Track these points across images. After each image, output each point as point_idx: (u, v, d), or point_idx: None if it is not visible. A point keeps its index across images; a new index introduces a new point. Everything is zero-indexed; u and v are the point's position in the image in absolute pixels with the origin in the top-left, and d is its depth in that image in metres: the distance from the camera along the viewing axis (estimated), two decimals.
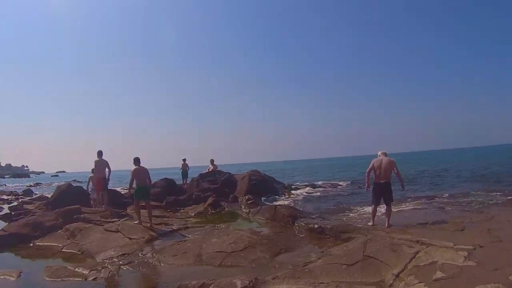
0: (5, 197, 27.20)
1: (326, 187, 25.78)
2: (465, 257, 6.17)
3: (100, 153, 13.54)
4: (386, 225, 9.62)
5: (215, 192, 17.12)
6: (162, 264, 7.45)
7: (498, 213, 10.60)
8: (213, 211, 14.32)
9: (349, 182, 28.01)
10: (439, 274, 5.55)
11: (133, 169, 11.17)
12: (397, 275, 5.78)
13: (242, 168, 44.87)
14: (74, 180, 49.02)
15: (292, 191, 22.07)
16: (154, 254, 7.99)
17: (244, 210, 14.15)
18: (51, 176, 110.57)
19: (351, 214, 12.88)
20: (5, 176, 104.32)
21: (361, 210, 13.26)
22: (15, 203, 21.19)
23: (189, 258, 7.62)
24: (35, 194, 29.10)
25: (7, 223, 12.56)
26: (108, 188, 14.58)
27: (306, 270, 6.21)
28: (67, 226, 10.78)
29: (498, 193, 16.22)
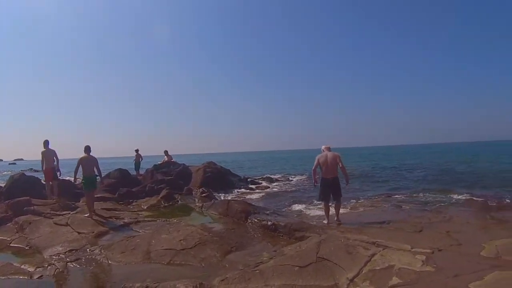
0: None
1: (283, 181, 25.92)
2: (423, 261, 6.05)
3: (46, 143, 13.08)
4: (336, 219, 9.71)
5: (169, 184, 16.92)
6: (109, 262, 7.19)
7: (458, 214, 10.63)
8: (166, 204, 14.01)
9: (306, 177, 27.70)
10: (395, 280, 5.37)
11: (80, 157, 10.94)
12: (352, 280, 5.54)
13: (199, 159, 44.61)
14: (31, 169, 47.59)
15: (249, 185, 21.92)
16: (102, 251, 7.73)
17: (197, 204, 13.90)
18: (9, 164, 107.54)
19: (306, 211, 12.74)
20: None
21: (317, 207, 13.00)
22: None
23: (138, 255, 7.39)
24: None
25: None
26: (60, 178, 14.21)
27: (257, 271, 5.95)
28: (16, 219, 10.38)
29: (458, 193, 16.15)
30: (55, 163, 13.30)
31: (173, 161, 21.65)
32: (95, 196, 12.22)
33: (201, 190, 16.12)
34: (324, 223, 9.78)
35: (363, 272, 5.76)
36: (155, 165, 20.90)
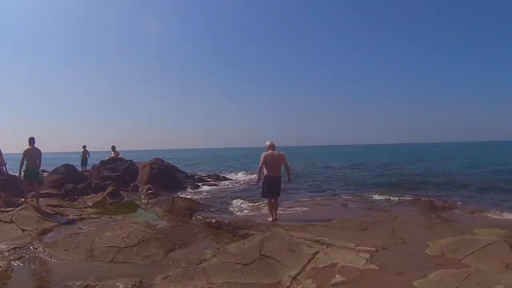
0: None
1: (230, 178, 26.03)
2: (367, 259, 5.97)
3: None
4: (274, 218, 9.84)
5: (115, 181, 16.76)
6: (53, 260, 7.10)
7: (403, 213, 10.71)
8: (112, 201, 13.93)
9: (252, 174, 27.55)
10: (338, 278, 5.30)
11: (25, 149, 10.86)
12: (295, 277, 5.49)
13: (148, 155, 43.97)
14: None
15: (196, 182, 21.82)
16: (45, 248, 7.63)
17: (143, 201, 13.86)
18: None
19: (251, 209, 12.76)
20: None
21: (262, 204, 12.89)
22: None
23: (81, 253, 7.33)
24: None
25: None
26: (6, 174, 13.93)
27: (200, 269, 5.86)
28: None
29: (405, 192, 16.26)
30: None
31: (120, 157, 21.32)
32: (40, 192, 12.02)
33: (147, 187, 16.05)
34: (268, 220, 9.86)
35: (306, 269, 5.71)
36: (102, 161, 20.49)
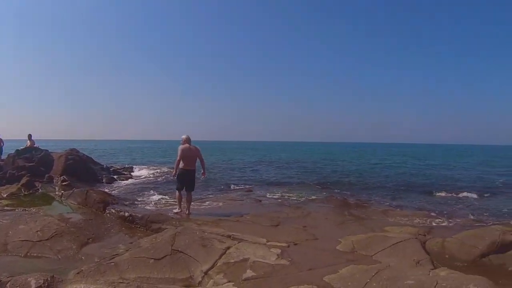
0: None
1: (145, 171, 25.86)
2: (278, 255, 6.04)
3: None
4: (187, 212, 9.77)
5: (30, 171, 16.23)
6: None
7: (316, 210, 10.84)
8: (26, 192, 13.57)
9: (168, 167, 27.23)
10: (249, 273, 5.33)
11: None
12: (206, 272, 5.52)
13: (64, 145, 42.17)
14: None
15: (111, 175, 21.53)
16: None
17: (57, 193, 13.54)
18: None
19: (165, 202, 12.50)
20: None
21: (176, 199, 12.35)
22: None
23: None
24: None
25: None
26: None
27: (113, 264, 5.79)
28: None
29: (320, 189, 16.66)
30: None
31: (35, 146, 20.61)
32: None
33: (62, 178, 15.72)
34: (174, 211, 9.91)
35: (218, 265, 5.75)
36: (17, 150, 19.62)
